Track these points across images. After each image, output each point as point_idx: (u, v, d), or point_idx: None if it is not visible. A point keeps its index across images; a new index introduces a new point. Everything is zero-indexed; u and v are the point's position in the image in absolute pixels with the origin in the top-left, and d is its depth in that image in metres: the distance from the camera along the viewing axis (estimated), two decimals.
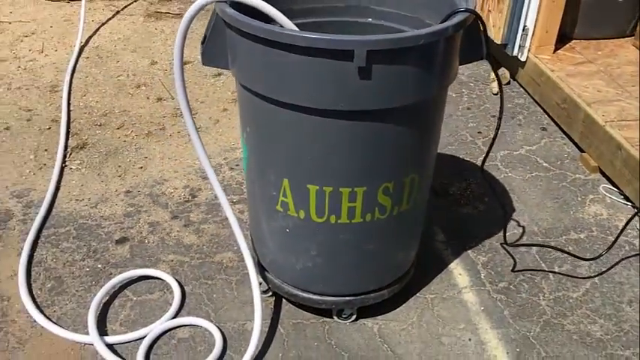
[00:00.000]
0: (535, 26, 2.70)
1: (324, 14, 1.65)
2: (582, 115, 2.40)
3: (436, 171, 2.26)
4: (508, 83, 2.96)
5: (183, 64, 1.42)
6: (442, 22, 1.31)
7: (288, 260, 1.62)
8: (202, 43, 1.41)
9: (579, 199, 2.22)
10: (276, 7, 1.35)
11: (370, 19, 1.60)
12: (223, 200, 1.57)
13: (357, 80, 1.23)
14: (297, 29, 1.34)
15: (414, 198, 1.53)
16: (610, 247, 1.93)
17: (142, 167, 2.36)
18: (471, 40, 1.43)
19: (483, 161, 1.73)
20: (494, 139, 1.64)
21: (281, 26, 1.36)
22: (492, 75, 2.98)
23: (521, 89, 2.90)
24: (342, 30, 1.61)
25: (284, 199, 1.48)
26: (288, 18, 1.36)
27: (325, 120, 1.32)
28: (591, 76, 2.59)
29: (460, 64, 1.46)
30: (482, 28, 1.44)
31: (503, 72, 2.95)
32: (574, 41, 2.88)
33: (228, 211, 1.58)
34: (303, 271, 1.62)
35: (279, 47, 1.24)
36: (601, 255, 1.93)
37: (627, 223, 1.90)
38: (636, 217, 2.06)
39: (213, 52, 1.40)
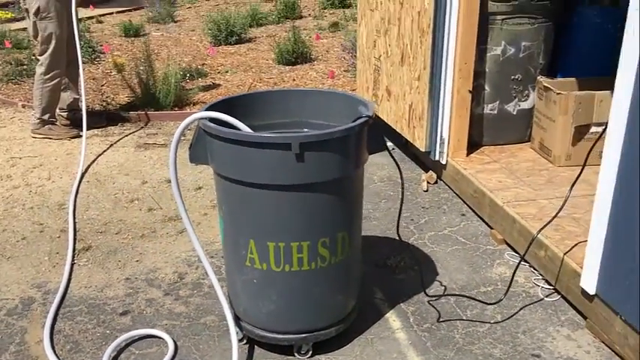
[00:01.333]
0: (449, 136, 3.43)
1: (277, 127, 2.32)
2: (488, 200, 3.05)
3: (377, 248, 2.87)
4: (436, 182, 3.63)
5: (176, 169, 2.03)
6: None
7: (256, 306, 2.14)
8: (189, 148, 2.04)
9: (488, 263, 2.80)
10: (244, 123, 2.01)
11: (306, 129, 2.27)
12: (207, 265, 2.12)
13: (295, 163, 1.86)
14: (254, 133, 1.99)
15: (347, 251, 2.10)
16: (506, 293, 2.49)
17: (138, 260, 2.89)
18: (376, 138, 2.09)
19: (397, 226, 2.33)
20: (401, 204, 2.25)
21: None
22: (423, 176, 3.65)
23: (446, 186, 3.56)
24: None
25: (251, 255, 2.03)
26: (254, 131, 2.02)
27: (276, 192, 1.92)
28: (495, 172, 3.28)
29: (370, 153, 2.11)
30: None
31: (430, 173, 3.64)
32: (484, 147, 3.61)
33: (212, 277, 2.12)
34: (268, 315, 2.13)
35: (242, 145, 1.87)
36: (500, 300, 2.48)
37: (514, 272, 2.48)
38: (527, 268, 2.64)
39: (197, 153, 2.03)
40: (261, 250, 2.01)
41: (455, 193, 3.47)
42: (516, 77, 3.45)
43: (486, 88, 3.48)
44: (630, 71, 1.96)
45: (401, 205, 2.30)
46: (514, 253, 2.85)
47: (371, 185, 3.63)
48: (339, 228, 2.05)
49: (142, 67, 5.15)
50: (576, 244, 2.50)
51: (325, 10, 9.42)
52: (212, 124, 1.93)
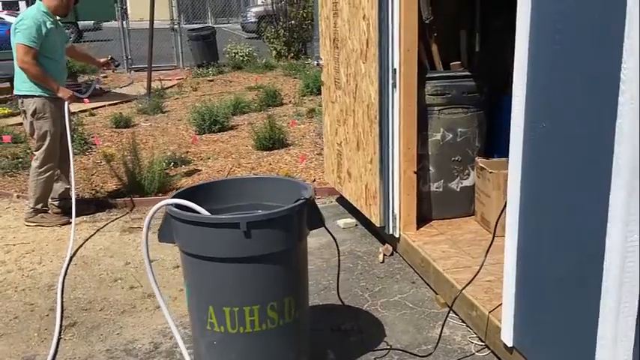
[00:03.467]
0: (400, 212, 3.84)
1: (235, 209, 2.72)
2: (432, 268, 3.42)
3: (334, 315, 3.20)
4: (392, 254, 4.01)
5: (148, 249, 2.42)
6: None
7: None
8: (159, 229, 2.44)
9: (431, 325, 3.14)
10: (203, 207, 2.41)
11: (259, 210, 2.67)
12: (175, 331, 2.46)
13: (244, 239, 2.25)
14: (209, 215, 2.39)
15: (294, 314, 2.46)
16: (436, 346, 2.84)
17: (118, 333, 3.21)
18: (315, 216, 2.50)
19: (337, 291, 2.70)
20: (338, 272, 2.63)
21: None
22: (380, 249, 4.03)
23: (400, 257, 3.94)
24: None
25: (210, 320, 2.38)
26: (213, 213, 2.43)
27: (229, 265, 2.30)
28: (440, 243, 3.68)
29: (311, 229, 2.51)
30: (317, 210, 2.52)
31: (387, 246, 4.02)
32: (433, 221, 4.02)
33: (179, 342, 2.46)
34: None
35: (200, 225, 2.27)
36: (431, 353, 2.82)
37: (443, 325, 2.83)
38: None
39: (165, 233, 2.42)
40: (218, 315, 2.36)
41: (407, 263, 3.84)
42: (456, 159, 3.92)
43: (431, 168, 3.93)
44: (517, 149, 2.40)
45: (338, 273, 2.69)
46: (454, 315, 3.20)
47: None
48: (285, 293, 2.41)
49: (128, 157, 5.60)
50: (501, 304, 2.85)
51: (304, 97, 10.06)
52: (176, 209, 2.33)
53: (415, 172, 3.78)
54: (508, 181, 2.48)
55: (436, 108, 3.82)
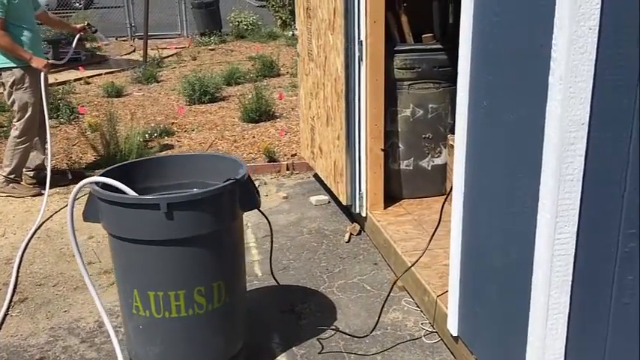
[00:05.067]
0: (367, 191, 3.70)
1: (176, 187, 2.60)
2: (392, 250, 3.30)
3: (287, 296, 3.11)
4: (359, 233, 3.89)
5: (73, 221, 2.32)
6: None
7: (144, 350, 2.38)
8: (84, 209, 2.33)
9: (385, 309, 3.02)
10: (140, 185, 2.30)
11: (195, 189, 2.55)
12: (103, 314, 2.38)
13: (165, 221, 2.14)
14: (135, 195, 2.27)
15: (224, 299, 2.35)
16: (373, 329, 2.73)
17: (66, 311, 3.15)
18: (249, 196, 2.37)
19: (271, 270, 2.58)
20: (271, 253, 2.51)
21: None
22: (348, 228, 3.91)
23: (367, 237, 3.82)
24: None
25: (136, 303, 2.29)
26: (150, 192, 2.31)
27: (151, 247, 2.20)
28: (405, 223, 3.54)
29: (244, 211, 2.39)
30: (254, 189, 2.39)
31: (354, 225, 3.90)
32: (403, 200, 3.88)
33: (107, 325, 2.37)
34: (155, 358, 2.37)
35: (121, 206, 2.16)
36: (366, 335, 2.72)
37: (383, 306, 2.72)
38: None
39: (90, 212, 2.32)
40: (143, 299, 2.27)
41: (373, 243, 3.72)
42: (427, 136, 3.75)
43: (400, 146, 3.78)
44: (461, 131, 2.24)
45: (270, 257, 2.56)
46: (410, 299, 3.08)
47: (299, 237, 3.89)
48: (213, 278, 2.30)
49: (105, 128, 5.50)
50: None
51: None
52: (99, 188, 2.22)
53: (383, 150, 3.63)
54: (453, 165, 2.33)
55: (406, 83, 3.64)
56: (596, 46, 1.60)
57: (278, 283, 2.73)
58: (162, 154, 5.56)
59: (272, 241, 2.56)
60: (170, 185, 2.59)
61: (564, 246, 1.76)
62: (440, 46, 3.64)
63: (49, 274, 3.56)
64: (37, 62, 4.54)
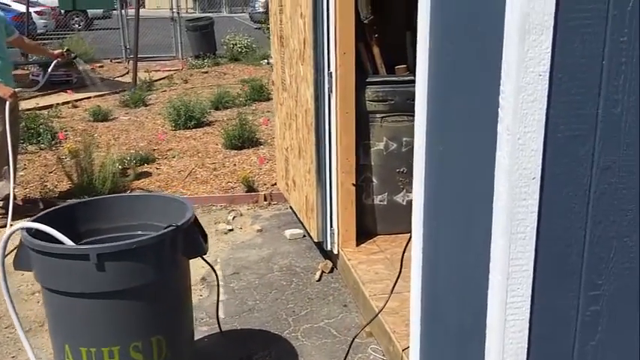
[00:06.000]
0: (338, 227, 3.54)
1: (124, 229, 2.45)
2: (361, 292, 3.12)
3: (248, 342, 2.94)
4: (331, 271, 3.71)
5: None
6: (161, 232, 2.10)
7: None
8: (15, 256, 2.18)
9: (350, 358, 2.84)
10: (84, 228, 2.15)
11: (140, 232, 2.40)
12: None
13: (96, 272, 1.98)
14: (65, 244, 2.11)
15: (165, 354, 2.18)
16: None
17: (13, 357, 2.97)
18: (193, 242, 2.21)
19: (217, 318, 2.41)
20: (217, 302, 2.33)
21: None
22: (319, 265, 3.74)
23: (339, 275, 3.65)
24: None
25: (67, 359, 2.12)
26: (93, 235, 2.16)
27: (83, 300, 2.03)
28: (376, 262, 3.37)
29: (189, 258, 2.23)
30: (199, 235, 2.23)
31: (326, 262, 3.73)
32: (378, 236, 3.71)
33: None
34: None
35: (49, 256, 2.00)
36: None
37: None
38: None
39: (22, 260, 2.16)
40: (75, 355, 2.10)
41: (344, 283, 3.54)
42: (401, 170, 3.60)
43: (374, 180, 3.62)
44: (419, 176, 2.09)
45: (217, 306, 2.38)
46: (378, 347, 2.90)
47: (268, 275, 3.72)
48: (152, 332, 2.14)
49: (82, 155, 5.37)
50: None
51: None
52: (28, 236, 2.07)
53: (354, 185, 3.47)
54: (412, 212, 2.17)
55: (378, 115, 3.50)
56: (547, 93, 1.45)
57: (222, 332, 2.55)
58: (145, 180, 5.41)
59: (218, 293, 2.39)
60: (116, 227, 2.44)
61: (518, 310, 1.59)
62: (413, 77, 3.48)
63: (3, 314, 3.39)
64: (2, 91, 4.42)
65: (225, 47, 14.12)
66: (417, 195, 2.12)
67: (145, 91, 9.76)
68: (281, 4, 3.97)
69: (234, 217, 4.62)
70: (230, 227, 4.40)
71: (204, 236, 2.29)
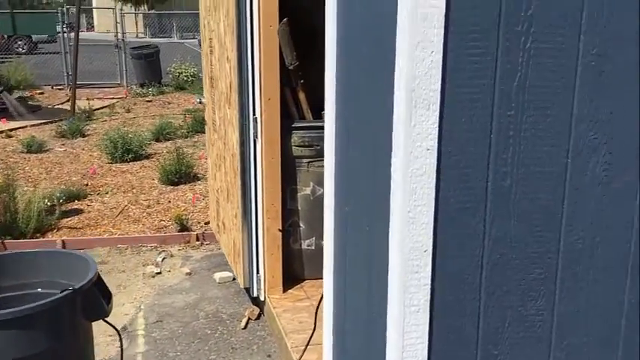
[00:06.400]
0: (265, 274, 3.48)
1: (29, 287, 2.32)
2: (283, 343, 3.06)
3: None
4: (259, 317, 3.63)
5: None
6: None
7: None
8: None
9: None
10: None
11: (39, 289, 2.28)
12: None
13: None
14: None
15: None
16: None
17: None
18: (95, 305, 2.11)
19: None
20: None
21: None
22: (246, 312, 3.65)
23: (266, 323, 3.57)
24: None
25: None
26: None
27: None
28: (301, 311, 3.32)
29: (92, 321, 2.12)
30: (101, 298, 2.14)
31: (253, 309, 3.65)
32: (306, 281, 3.66)
33: None
34: None
35: None
36: None
37: None
38: None
39: None
40: None
41: (270, 331, 3.47)
42: None
43: (301, 225, 3.59)
44: (329, 233, 2.07)
45: None
46: None
47: (193, 322, 3.61)
48: None
49: (4, 193, 5.14)
50: None
51: None
52: None
53: (280, 230, 3.43)
54: (324, 267, 2.14)
55: (305, 160, 3.48)
56: (436, 167, 1.45)
57: None
58: (74, 219, 5.22)
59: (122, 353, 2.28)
60: (17, 285, 2.31)
61: None
62: None
63: None
64: None
65: (171, 76, 13.97)
66: (327, 252, 2.09)
67: (84, 121, 9.53)
68: (211, 45, 3.94)
69: (163, 259, 4.49)
70: (158, 270, 4.28)
71: (108, 296, 2.19)
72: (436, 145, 1.43)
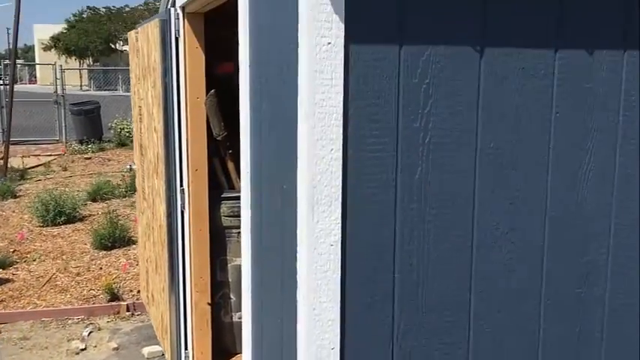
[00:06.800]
0: (193, 350, 3.35)
1: None
2: None
3: None
4: None
5: None
6: None
7: None
8: None
9: None
10: None
11: None
12: None
13: None
14: None
15: None
16: None
17: None
18: None
19: None
20: None
21: None
22: None
23: None
24: None
25: None
26: None
27: None
28: None
29: None
30: None
31: None
32: (238, 355, 3.54)
33: None
34: None
35: None
36: None
37: None
38: None
39: None
40: None
41: None
42: None
43: (232, 297, 3.50)
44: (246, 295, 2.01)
45: None
46: None
47: None
48: None
49: None
50: None
51: None
52: None
53: (209, 304, 3.33)
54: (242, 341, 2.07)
55: (234, 230, 3.43)
56: (340, 264, 1.43)
57: None
58: None
59: None
60: None
61: None
62: None
63: None
64: None
65: (112, 131, 13.76)
66: (246, 337, 2.03)
67: (17, 181, 9.20)
68: (140, 113, 3.89)
69: (90, 333, 4.28)
70: (83, 346, 4.06)
71: None
72: (340, 240, 1.42)
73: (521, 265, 1.57)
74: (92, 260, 5.80)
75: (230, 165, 3.46)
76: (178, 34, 3.07)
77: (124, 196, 8.60)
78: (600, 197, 1.60)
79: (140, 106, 3.86)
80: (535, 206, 1.57)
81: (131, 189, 8.85)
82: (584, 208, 1.59)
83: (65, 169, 10.61)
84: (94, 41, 34.80)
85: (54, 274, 5.42)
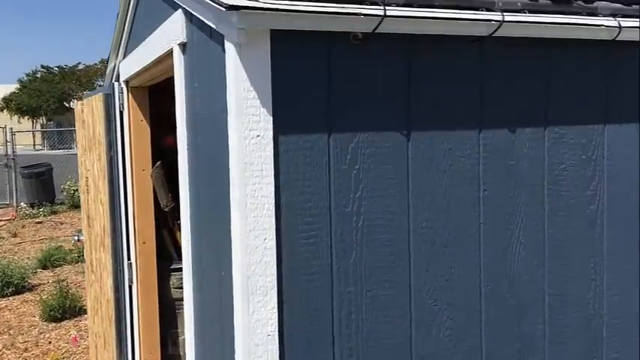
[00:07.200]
0: None
1: None
2: None
3: None
4: None
5: None
6: None
7: None
8: None
9: None
10: None
11: None
12: None
13: None
14: None
15: None
16: None
17: None
18: None
19: None
20: None
21: None
22: None
23: None
24: None
25: None
26: None
27: None
28: None
29: None
30: None
31: None
32: None
33: None
34: None
35: None
36: None
37: None
38: None
39: None
40: None
41: None
42: None
43: None
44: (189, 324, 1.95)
45: None
46: None
47: None
48: None
49: None
50: None
51: None
52: None
53: None
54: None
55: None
56: (278, 353, 1.42)
57: None
58: None
59: None
60: None
61: None
62: None
63: None
64: None
65: (65, 193, 13.45)
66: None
67: None
68: (87, 184, 3.84)
69: None
70: None
71: None
72: (277, 330, 1.41)
73: (462, 341, 1.59)
74: (41, 334, 5.57)
75: (179, 235, 3.42)
76: (122, 108, 3.07)
77: (77, 262, 8.37)
78: (532, 269, 1.64)
79: (87, 177, 3.81)
80: (470, 281, 1.60)
81: (83, 254, 8.64)
82: (516, 281, 1.63)
83: (15, 235, 10.28)
84: (47, 100, 34.44)
85: (0, 350, 5.18)
